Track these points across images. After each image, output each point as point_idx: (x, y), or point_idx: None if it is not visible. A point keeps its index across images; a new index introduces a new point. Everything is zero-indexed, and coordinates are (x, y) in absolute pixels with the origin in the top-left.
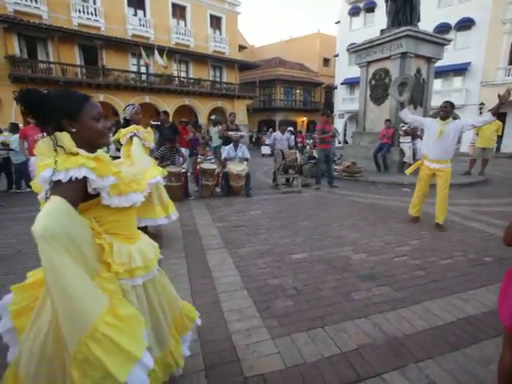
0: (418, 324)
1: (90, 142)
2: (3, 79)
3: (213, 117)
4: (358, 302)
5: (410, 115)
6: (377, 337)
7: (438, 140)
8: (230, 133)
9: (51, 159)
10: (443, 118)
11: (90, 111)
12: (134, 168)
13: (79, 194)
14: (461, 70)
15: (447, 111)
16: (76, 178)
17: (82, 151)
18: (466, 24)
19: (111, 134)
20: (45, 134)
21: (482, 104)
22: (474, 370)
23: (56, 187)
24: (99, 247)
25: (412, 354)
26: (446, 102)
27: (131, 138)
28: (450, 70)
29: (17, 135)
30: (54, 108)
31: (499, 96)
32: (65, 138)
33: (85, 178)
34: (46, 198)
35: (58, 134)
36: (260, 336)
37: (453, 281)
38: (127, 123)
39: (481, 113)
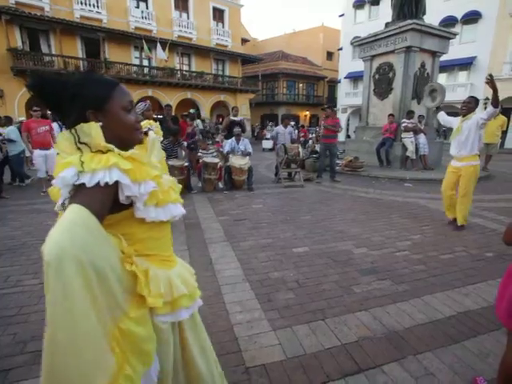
0: (417, 317)
1: (121, 138)
2: (6, 72)
3: (191, 110)
4: (359, 295)
5: (444, 117)
6: (377, 329)
7: (458, 137)
8: (233, 118)
9: (75, 156)
10: (465, 115)
11: (121, 100)
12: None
13: (107, 203)
14: (466, 64)
15: (470, 107)
16: (105, 183)
17: (113, 148)
18: (472, 17)
19: None
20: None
21: (487, 99)
22: (472, 362)
23: (78, 193)
24: (130, 275)
25: (411, 347)
26: (471, 97)
27: (146, 132)
28: (455, 64)
29: (11, 127)
30: (75, 96)
31: (487, 84)
32: (93, 129)
33: (116, 183)
34: (64, 208)
35: (82, 125)
36: (261, 328)
37: (453, 275)
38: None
39: (485, 108)
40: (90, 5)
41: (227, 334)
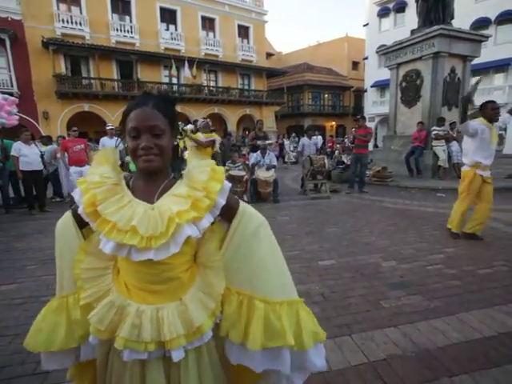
0: (452, 336)
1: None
2: (51, 95)
3: (182, 124)
4: (387, 310)
5: (473, 126)
6: (407, 347)
7: (490, 145)
8: (258, 142)
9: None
10: (495, 121)
11: (128, 124)
12: None
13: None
14: (502, 66)
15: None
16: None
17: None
18: (507, 17)
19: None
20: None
21: None
22: None
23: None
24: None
25: (445, 368)
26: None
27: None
28: (489, 66)
29: (49, 147)
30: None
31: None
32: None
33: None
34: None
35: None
36: None
37: (493, 292)
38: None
39: None
40: (124, 31)
41: None
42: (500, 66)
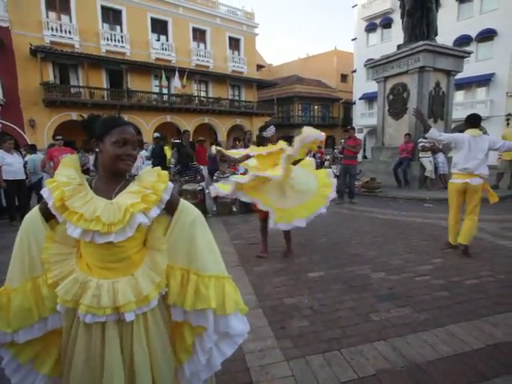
0: (441, 349)
1: (105, 163)
2: (37, 103)
3: (156, 134)
4: (377, 323)
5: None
6: (396, 362)
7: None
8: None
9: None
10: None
11: (115, 135)
12: None
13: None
14: (484, 80)
15: None
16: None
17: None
18: (487, 35)
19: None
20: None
21: (510, 115)
22: None
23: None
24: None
25: (435, 383)
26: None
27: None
28: (472, 81)
29: (34, 155)
30: (91, 128)
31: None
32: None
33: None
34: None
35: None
36: (274, 357)
37: (480, 303)
38: (262, 141)
39: (508, 124)
40: (115, 40)
41: (238, 364)
42: (482, 81)
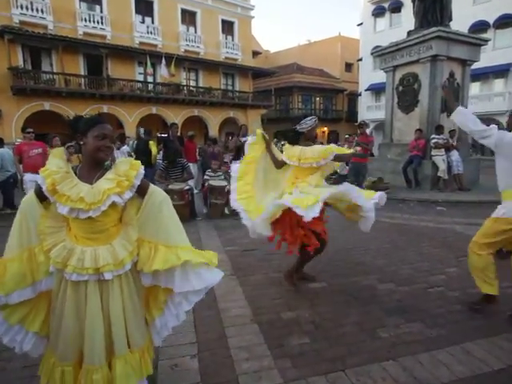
0: (457, 370)
1: (88, 153)
2: (5, 91)
3: (141, 130)
4: (385, 340)
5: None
6: None
7: None
8: (244, 138)
9: None
10: None
11: (96, 130)
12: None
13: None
14: (502, 71)
15: None
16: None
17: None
18: (506, 21)
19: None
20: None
21: None
22: None
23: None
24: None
25: None
26: None
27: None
28: (489, 71)
29: (0, 150)
30: (76, 126)
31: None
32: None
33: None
34: None
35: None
36: (271, 379)
37: (499, 317)
38: (296, 138)
39: None
40: (94, 21)
41: None
42: (499, 72)
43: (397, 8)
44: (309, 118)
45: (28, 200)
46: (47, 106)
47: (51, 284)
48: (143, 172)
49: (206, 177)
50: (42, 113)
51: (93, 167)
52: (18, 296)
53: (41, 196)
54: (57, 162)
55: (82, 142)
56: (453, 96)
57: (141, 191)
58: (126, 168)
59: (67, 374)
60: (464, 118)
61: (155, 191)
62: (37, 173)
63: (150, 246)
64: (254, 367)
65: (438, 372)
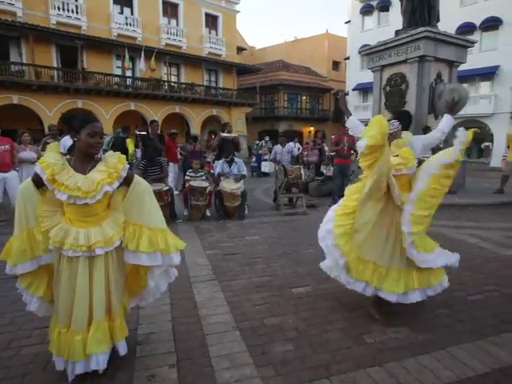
0: (443, 375)
1: (81, 149)
2: None
3: (118, 129)
4: (371, 346)
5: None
6: None
7: None
8: (224, 134)
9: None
10: None
11: (88, 129)
12: None
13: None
14: (488, 74)
15: None
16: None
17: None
18: (492, 23)
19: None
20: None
21: None
22: None
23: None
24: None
25: None
26: None
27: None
28: (475, 74)
29: None
30: (70, 124)
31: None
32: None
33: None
34: None
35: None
36: None
37: (484, 321)
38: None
39: None
40: (68, 10)
41: None
42: (485, 74)
43: (385, 6)
44: (396, 122)
45: (26, 186)
46: (15, 99)
47: (50, 259)
48: (128, 166)
49: (186, 177)
50: (10, 107)
51: (85, 159)
52: (21, 268)
53: (37, 184)
54: (53, 155)
55: (75, 139)
56: (346, 104)
57: (126, 181)
58: (114, 161)
59: (62, 334)
60: (352, 125)
61: (139, 181)
62: (3, 171)
63: (134, 228)
64: (235, 376)
65: (424, 377)
